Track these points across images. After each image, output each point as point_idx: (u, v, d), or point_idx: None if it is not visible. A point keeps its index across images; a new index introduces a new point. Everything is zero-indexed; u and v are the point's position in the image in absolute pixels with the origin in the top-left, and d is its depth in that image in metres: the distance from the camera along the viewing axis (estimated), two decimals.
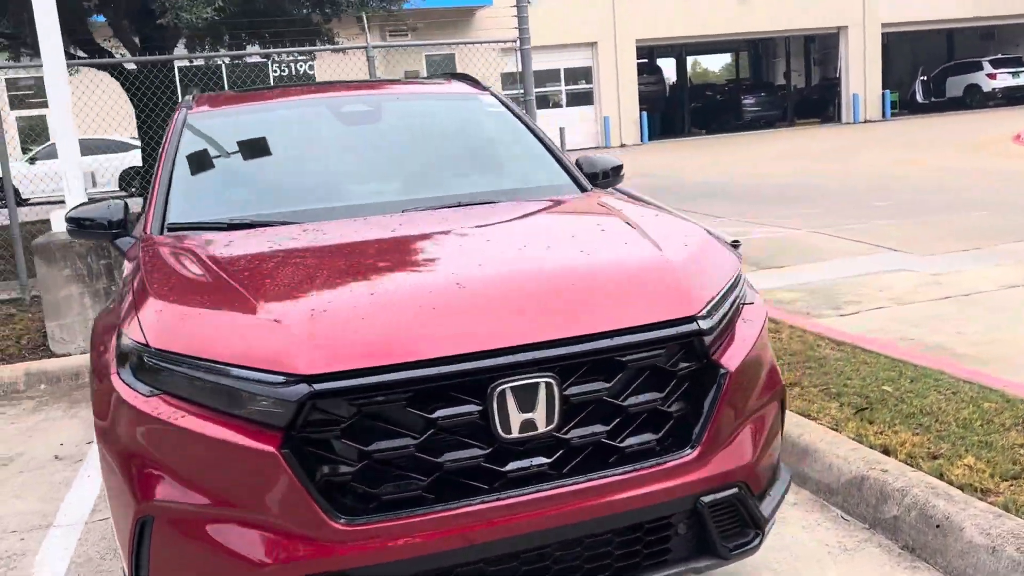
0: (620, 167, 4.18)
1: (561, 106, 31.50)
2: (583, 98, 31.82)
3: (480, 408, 2.17)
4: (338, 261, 2.68)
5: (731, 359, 2.48)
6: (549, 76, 31.26)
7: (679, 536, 2.42)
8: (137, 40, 12.12)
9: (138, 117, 12.16)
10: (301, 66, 26.57)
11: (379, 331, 2.20)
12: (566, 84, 31.59)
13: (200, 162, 3.58)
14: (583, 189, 3.73)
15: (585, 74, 31.67)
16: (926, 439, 3.59)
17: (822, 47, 38.24)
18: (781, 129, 34.48)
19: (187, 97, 4.03)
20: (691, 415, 2.42)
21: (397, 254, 2.78)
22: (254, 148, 3.70)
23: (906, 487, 3.20)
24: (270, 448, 2.08)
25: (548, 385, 2.20)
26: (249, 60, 18.12)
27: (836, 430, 3.79)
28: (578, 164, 4.05)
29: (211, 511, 2.15)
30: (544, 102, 31.38)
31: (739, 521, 2.49)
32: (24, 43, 12.83)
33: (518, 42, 9.09)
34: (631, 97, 31.59)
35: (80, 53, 12.25)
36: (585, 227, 3.05)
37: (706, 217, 11.77)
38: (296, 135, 3.79)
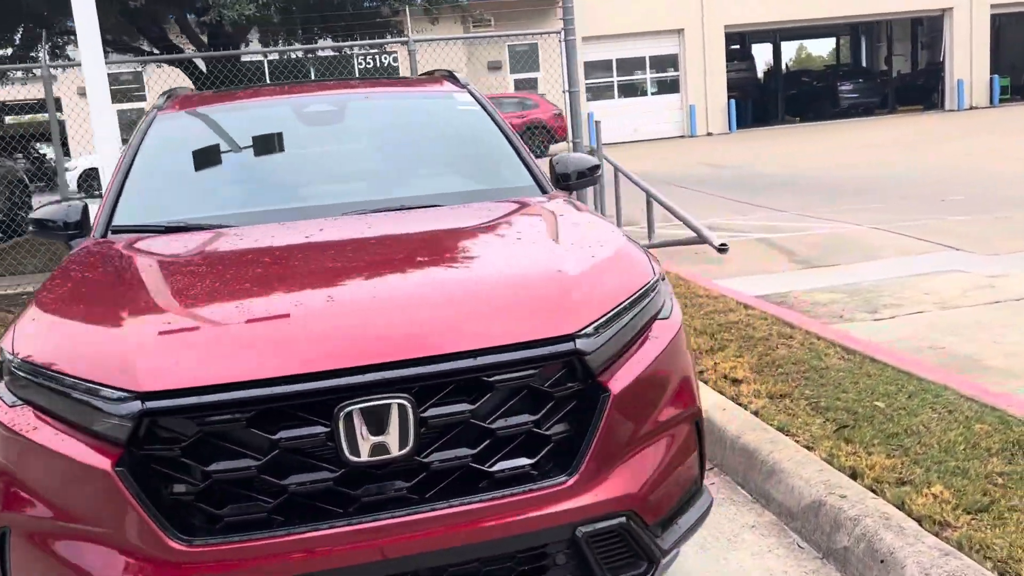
0: (596, 167, 4.02)
1: (646, 94, 31.01)
2: (668, 86, 31.24)
3: (327, 430, 2.09)
4: (229, 271, 2.65)
5: (620, 380, 2.33)
6: (634, 64, 30.80)
7: (557, 567, 2.29)
8: (205, 37, 12.45)
9: None
10: (384, 58, 26.90)
11: (224, 348, 2.15)
12: (651, 72, 31.05)
13: (157, 163, 3.60)
14: (544, 191, 3.60)
15: (671, 61, 31.06)
16: (900, 462, 3.33)
17: (930, 30, 36.49)
18: (880, 117, 33.10)
19: (160, 98, 4.06)
20: (574, 439, 2.29)
21: (291, 264, 2.72)
22: (211, 150, 3.70)
23: (860, 516, 2.98)
24: (104, 465, 2.05)
25: (401, 407, 2.11)
26: (327, 54, 18.36)
27: (810, 448, 3.57)
28: (552, 164, 3.92)
29: (59, 526, 2.14)
30: (631, 90, 30.95)
31: (628, 552, 2.34)
32: (107, 42, 13.34)
33: (562, 33, 8.92)
34: (719, 85, 30.84)
35: (154, 50, 12.67)
36: (501, 237, 2.93)
37: (767, 211, 11.38)
38: (256, 137, 3.77)
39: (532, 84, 29.23)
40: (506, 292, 2.40)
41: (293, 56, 15.93)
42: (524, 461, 2.24)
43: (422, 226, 3.07)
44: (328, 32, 14.88)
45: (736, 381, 4.45)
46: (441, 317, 2.26)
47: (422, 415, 2.14)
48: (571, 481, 2.25)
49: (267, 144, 3.73)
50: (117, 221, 3.32)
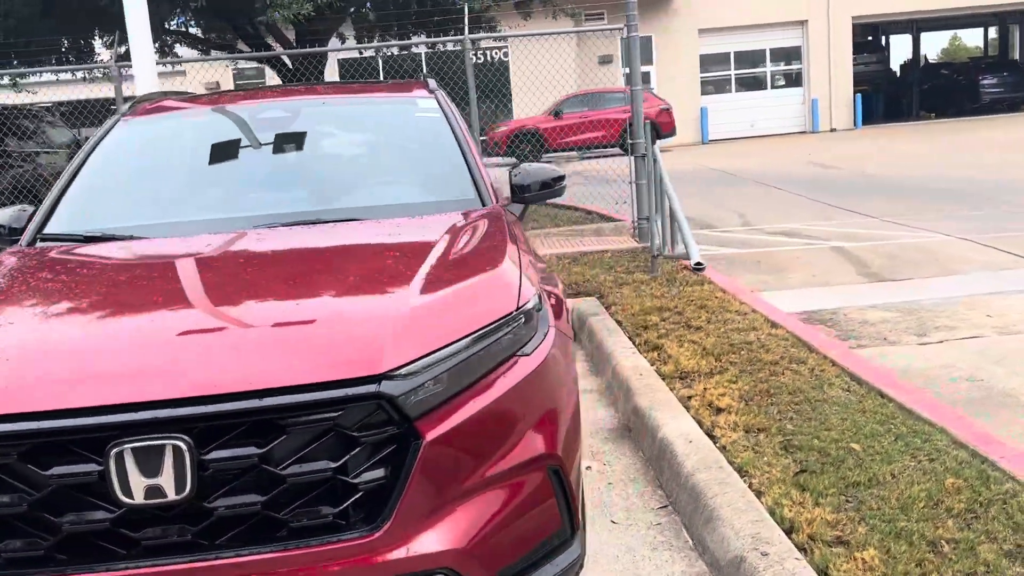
0: (559, 178, 3.79)
1: (765, 88, 29.88)
2: (789, 79, 30.00)
3: (100, 469, 1.99)
4: (80, 290, 2.59)
5: (441, 425, 2.13)
6: (754, 57, 29.74)
7: None
8: (292, 36, 12.71)
9: None
10: (495, 54, 26.92)
11: (5, 376, 2.08)
12: (771, 64, 29.90)
13: (104, 171, 3.62)
14: (484, 204, 3.42)
15: (793, 54, 29.81)
16: (845, 518, 2.98)
17: None
18: None
19: (128, 103, 4.08)
20: (389, 488, 2.11)
21: (142, 286, 2.65)
22: (157, 158, 3.69)
23: None
24: None
25: (176, 448, 1.98)
26: (419, 50, 18.48)
27: (760, 494, 3.25)
28: (510, 175, 3.72)
29: None
30: (749, 84, 29.92)
31: None
32: (202, 40, 13.81)
33: (625, 30, 8.61)
34: (844, 78, 29.39)
35: (243, 47, 13.04)
36: (367, 262, 2.75)
37: (855, 216, 10.70)
38: (200, 145, 3.73)
39: (644, 78, 28.62)
40: (321, 327, 2.24)
41: (388, 53, 16.11)
42: (328, 509, 2.08)
43: (309, 245, 2.95)
44: (421, 28, 14.95)
45: (719, 410, 4.13)
46: (236, 353, 2.13)
47: (203, 457, 2.01)
48: (378, 534, 2.08)
49: (210, 153, 3.69)
50: (50, 229, 3.34)
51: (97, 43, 13.77)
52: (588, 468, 4.04)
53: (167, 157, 3.70)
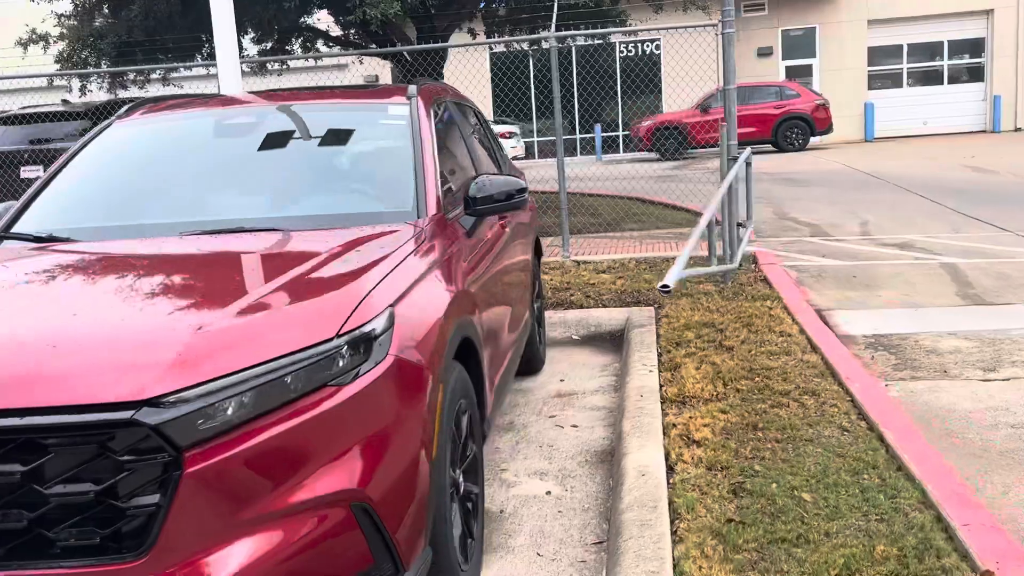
0: (520, 190, 3.64)
1: (941, 83, 27.78)
2: (969, 74, 27.75)
3: None
4: None
5: (213, 455, 2.08)
6: (929, 49, 27.70)
7: None
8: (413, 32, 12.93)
9: None
10: (647, 47, 26.43)
11: None
12: (949, 58, 27.75)
13: (78, 173, 3.78)
14: (420, 216, 3.33)
15: (974, 46, 27.55)
16: None
17: None
18: None
19: (128, 105, 4.23)
20: (158, 514, 2.08)
21: (12, 290, 2.72)
22: (125, 161, 3.82)
23: None
24: None
25: None
26: (550, 44, 18.34)
27: (678, 542, 3.00)
28: (467, 187, 3.61)
29: None
30: (926, 78, 27.91)
31: None
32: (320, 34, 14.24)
33: (720, 25, 8.19)
34: None
35: (372, 45, 13.39)
36: (228, 276, 2.71)
37: (988, 229, 9.75)
38: (164, 150, 3.83)
39: (805, 72, 27.30)
40: (100, 348, 2.22)
41: (522, 47, 16.10)
42: (97, 532, 2.08)
43: (186, 257, 2.99)
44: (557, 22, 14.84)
45: (693, 442, 3.85)
46: (12, 370, 2.15)
47: None
48: (143, 559, 2.05)
49: (165, 159, 3.78)
50: (17, 228, 3.53)
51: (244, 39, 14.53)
52: (548, 493, 3.88)
53: (132, 161, 3.82)
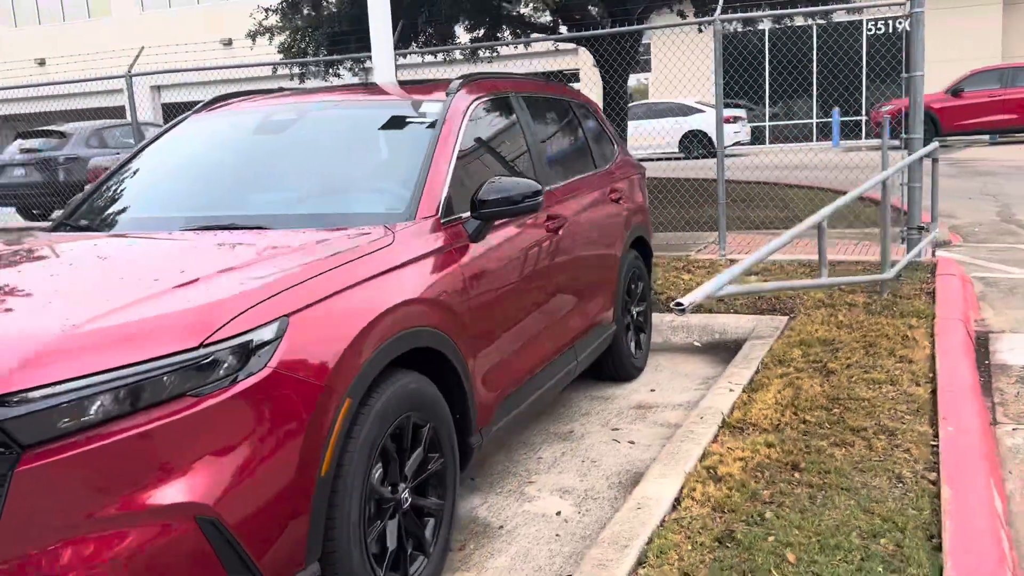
0: (533, 193, 3.44)
1: None
2: None
3: None
4: None
5: (52, 452, 2.13)
6: None
7: None
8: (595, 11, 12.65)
9: (604, 85, 12.82)
10: (900, 23, 24.22)
11: None
12: None
13: (138, 165, 4.03)
14: (411, 219, 3.24)
15: None
16: None
17: None
18: None
19: (215, 96, 4.42)
20: None
21: None
22: (173, 155, 4.03)
23: None
24: None
25: None
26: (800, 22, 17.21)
27: None
28: (480, 188, 3.46)
29: None
30: None
31: None
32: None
33: (907, 4, 7.30)
34: None
35: (562, 28, 13.30)
36: (149, 277, 2.71)
37: None
38: (203, 146, 4.00)
39: None
40: None
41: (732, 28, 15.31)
42: None
43: (150, 253, 3.08)
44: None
45: (715, 478, 3.49)
46: None
47: None
48: None
49: (201, 154, 3.94)
50: (75, 217, 3.83)
51: (458, 28, 14.92)
52: (558, 513, 3.67)
53: (177, 156, 4.01)
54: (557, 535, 3.49)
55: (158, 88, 31.96)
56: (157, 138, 4.17)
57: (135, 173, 3.97)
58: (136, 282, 2.62)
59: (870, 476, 3.41)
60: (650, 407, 4.94)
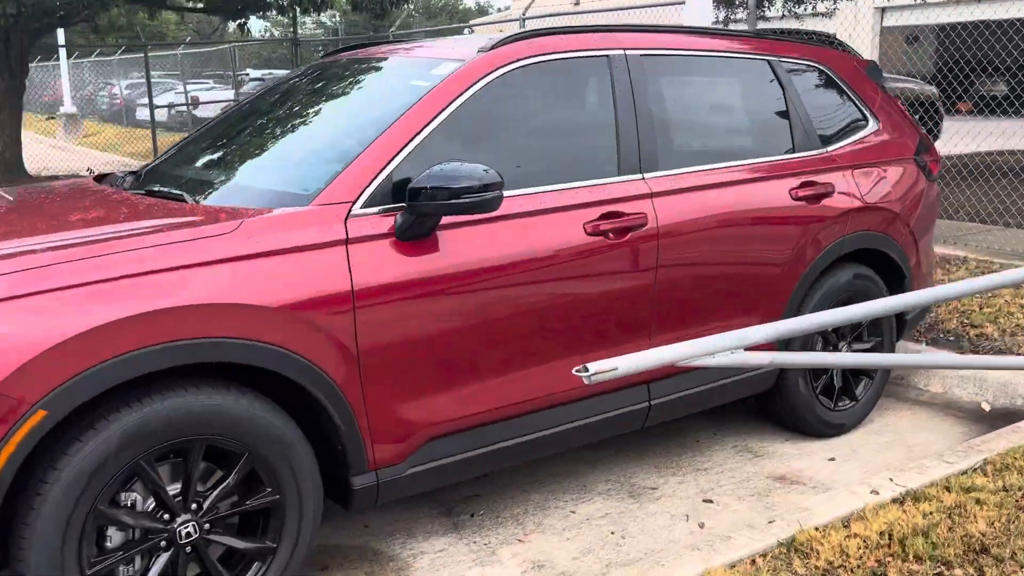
0: (488, 186, 2.66)
1: None
2: None
3: None
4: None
5: None
6: None
7: None
8: None
9: None
10: None
11: None
12: None
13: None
14: (305, 205, 2.74)
15: None
16: None
17: None
18: None
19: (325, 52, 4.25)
20: None
21: None
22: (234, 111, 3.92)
23: None
24: None
25: None
26: None
27: None
28: (428, 177, 2.75)
29: None
30: None
31: None
32: None
33: None
34: None
35: None
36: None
37: None
38: (249, 104, 3.84)
39: None
40: None
41: None
42: None
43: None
44: None
45: None
46: None
47: None
48: None
49: (239, 113, 3.79)
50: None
51: None
52: None
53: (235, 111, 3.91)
54: None
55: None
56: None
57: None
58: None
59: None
60: (792, 484, 3.65)
